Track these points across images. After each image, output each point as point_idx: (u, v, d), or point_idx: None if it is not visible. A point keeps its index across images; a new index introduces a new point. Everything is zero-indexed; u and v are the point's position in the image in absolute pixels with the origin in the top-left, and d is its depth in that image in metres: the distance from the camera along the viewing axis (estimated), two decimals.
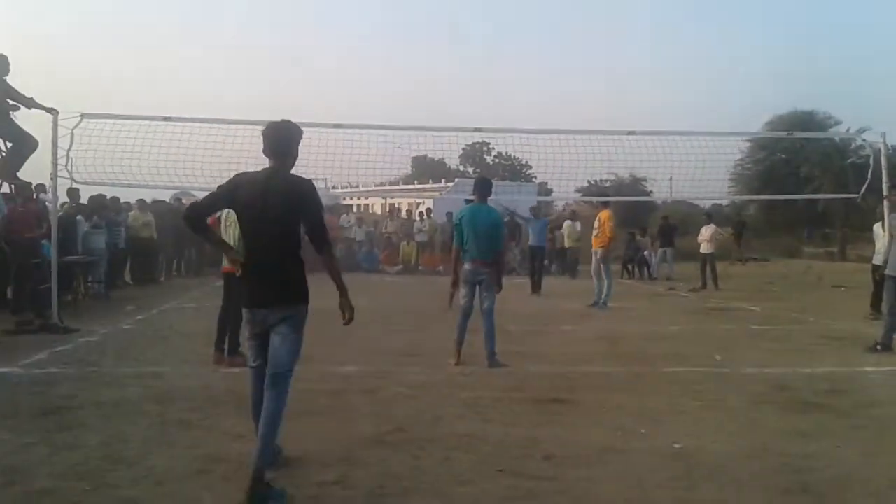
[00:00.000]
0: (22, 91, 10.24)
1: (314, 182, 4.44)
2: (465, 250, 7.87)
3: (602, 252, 13.57)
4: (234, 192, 4.21)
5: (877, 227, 12.17)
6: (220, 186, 4.36)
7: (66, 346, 8.69)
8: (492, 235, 7.90)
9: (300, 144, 4.38)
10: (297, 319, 4.22)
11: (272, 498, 3.91)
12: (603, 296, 13.41)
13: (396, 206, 31.67)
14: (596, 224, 13.78)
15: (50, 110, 10.32)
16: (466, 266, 7.87)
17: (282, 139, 4.29)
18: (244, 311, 4.28)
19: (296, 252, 4.24)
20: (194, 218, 4.26)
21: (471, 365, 7.73)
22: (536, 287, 16.31)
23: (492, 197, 8.26)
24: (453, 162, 61.27)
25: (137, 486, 4.15)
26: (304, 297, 4.25)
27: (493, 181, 8.72)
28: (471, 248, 7.83)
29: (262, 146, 4.30)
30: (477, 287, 7.90)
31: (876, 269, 11.20)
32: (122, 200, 16.68)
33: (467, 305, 7.93)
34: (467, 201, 9.21)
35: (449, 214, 22.14)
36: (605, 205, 14.36)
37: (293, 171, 4.37)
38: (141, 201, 17.11)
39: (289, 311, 4.18)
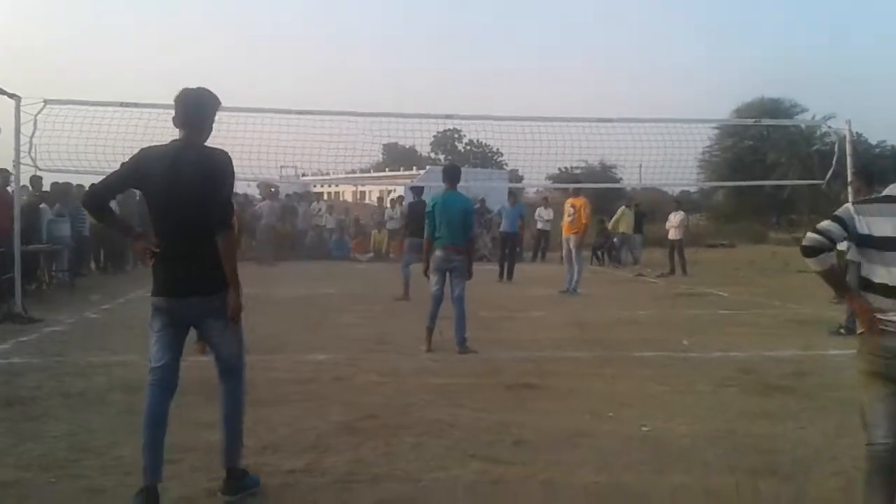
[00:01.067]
0: None
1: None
2: (437, 237, 7.86)
3: (576, 239, 13.65)
4: (140, 169, 3.73)
5: None
6: (122, 164, 3.84)
7: (31, 335, 8.57)
8: (464, 221, 7.91)
9: (215, 116, 3.92)
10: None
11: (248, 486, 3.87)
12: (573, 282, 13.51)
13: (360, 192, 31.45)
14: (570, 211, 13.83)
15: (12, 96, 10.11)
16: (438, 253, 7.86)
17: (196, 107, 3.80)
18: (156, 299, 3.76)
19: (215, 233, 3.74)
20: (92, 203, 3.82)
21: (441, 351, 7.74)
22: (509, 274, 16.25)
23: (462, 184, 8.27)
24: (424, 149, 61.08)
25: (105, 476, 4.10)
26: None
27: (461, 168, 8.73)
28: (443, 234, 7.82)
29: (172, 115, 3.82)
30: (448, 274, 7.91)
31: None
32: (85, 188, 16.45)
33: (438, 292, 7.93)
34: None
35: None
36: (578, 192, 14.42)
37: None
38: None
39: (216, 301, 3.73)
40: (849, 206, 3.36)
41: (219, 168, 3.76)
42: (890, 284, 3.18)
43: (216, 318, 3.75)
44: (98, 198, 3.83)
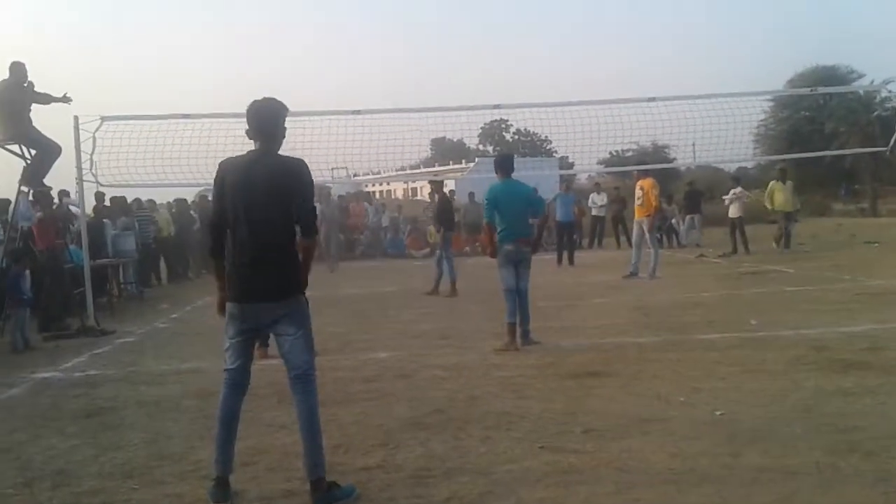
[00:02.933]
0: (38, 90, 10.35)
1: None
2: (503, 230, 7.65)
3: (648, 221, 13.39)
4: (222, 181, 3.88)
5: None
6: (213, 183, 3.99)
7: (105, 347, 8.84)
8: (531, 208, 7.82)
9: (286, 123, 4.00)
10: (299, 314, 3.86)
11: (338, 498, 3.75)
12: (650, 265, 13.23)
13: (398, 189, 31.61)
14: (638, 193, 13.57)
15: (65, 99, 10.39)
16: (508, 247, 7.63)
17: (268, 117, 3.91)
18: (230, 305, 3.87)
19: (290, 240, 3.87)
20: (214, 240, 3.99)
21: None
22: (570, 259, 16.69)
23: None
24: (472, 142, 61.07)
25: (184, 481, 4.20)
26: (301, 287, 3.89)
27: (513, 156, 8.59)
28: (509, 226, 7.63)
29: (246, 128, 3.94)
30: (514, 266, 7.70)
31: None
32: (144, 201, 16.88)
33: (513, 284, 7.63)
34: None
35: (471, 194, 22.18)
36: (646, 174, 14.07)
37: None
38: (150, 202, 17.21)
39: (286, 308, 3.81)
40: None
41: (294, 175, 3.84)
42: None
43: (287, 323, 3.81)
44: (218, 232, 3.95)
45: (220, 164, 3.95)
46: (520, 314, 7.69)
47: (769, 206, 17.89)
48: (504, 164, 8.00)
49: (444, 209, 13.06)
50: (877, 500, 3.55)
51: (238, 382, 3.94)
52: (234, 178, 3.83)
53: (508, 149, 61.54)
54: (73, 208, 12.93)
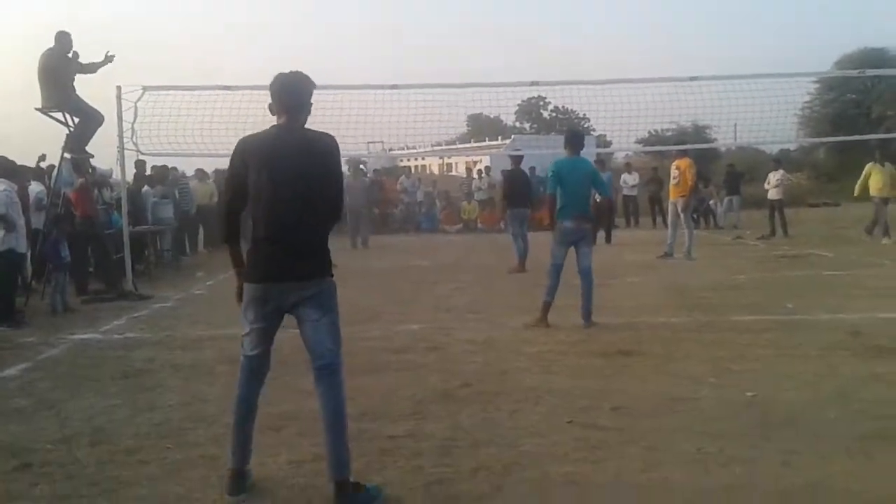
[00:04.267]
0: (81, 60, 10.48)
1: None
2: (563, 205, 7.51)
3: (683, 202, 13.27)
4: (244, 159, 3.58)
5: None
6: (229, 163, 3.68)
7: (142, 312, 9.03)
8: (596, 184, 7.76)
9: (311, 99, 3.72)
10: (327, 296, 3.57)
11: (367, 501, 3.51)
12: (685, 246, 13.14)
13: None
14: (675, 173, 13.44)
15: (108, 59, 10.51)
16: (567, 224, 7.51)
17: (295, 91, 3.64)
18: (251, 287, 3.59)
19: (319, 217, 3.60)
20: (230, 221, 3.70)
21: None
22: (607, 237, 16.62)
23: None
24: (509, 118, 60.38)
25: (217, 443, 4.27)
26: (329, 268, 3.62)
27: (583, 133, 8.45)
28: (570, 203, 7.48)
29: (269, 102, 3.66)
30: (574, 245, 7.59)
31: None
32: (180, 170, 17.05)
33: (562, 264, 7.56)
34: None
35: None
36: (684, 154, 13.94)
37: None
38: (200, 171, 17.43)
39: (313, 288, 3.53)
40: None
41: (326, 152, 3.63)
42: None
43: (311, 306, 3.54)
44: (233, 217, 3.69)
45: (241, 141, 3.65)
46: (583, 295, 7.53)
47: (857, 192, 16.06)
48: (574, 140, 7.85)
49: (516, 184, 12.91)
50: None
51: (257, 369, 3.72)
52: (259, 154, 3.56)
53: (545, 126, 61.06)
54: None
